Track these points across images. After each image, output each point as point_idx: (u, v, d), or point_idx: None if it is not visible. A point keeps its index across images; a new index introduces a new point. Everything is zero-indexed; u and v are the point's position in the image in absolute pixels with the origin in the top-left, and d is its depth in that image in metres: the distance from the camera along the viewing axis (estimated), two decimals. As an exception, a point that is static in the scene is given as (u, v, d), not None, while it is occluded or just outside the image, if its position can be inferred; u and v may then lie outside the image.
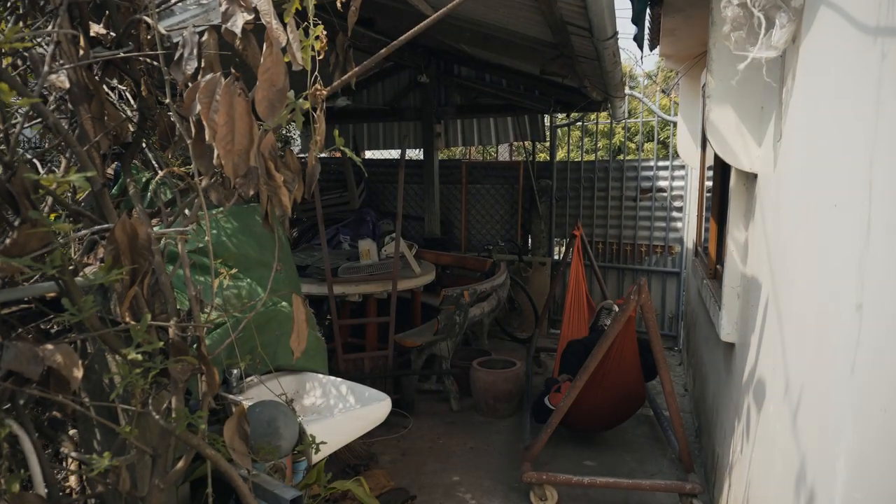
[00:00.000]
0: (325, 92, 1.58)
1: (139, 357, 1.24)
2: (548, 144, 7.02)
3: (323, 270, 4.36)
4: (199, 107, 1.22)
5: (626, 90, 5.86)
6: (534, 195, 6.67)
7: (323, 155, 8.43)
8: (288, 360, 2.38)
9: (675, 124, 6.29)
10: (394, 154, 8.58)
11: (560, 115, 7.02)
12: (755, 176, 2.35)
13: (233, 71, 1.25)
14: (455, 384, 4.65)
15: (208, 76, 1.25)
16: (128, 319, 1.44)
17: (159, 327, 1.48)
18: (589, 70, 3.78)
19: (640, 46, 3.27)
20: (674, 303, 6.27)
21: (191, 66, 1.40)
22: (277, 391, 2.28)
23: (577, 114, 6.48)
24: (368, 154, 8.98)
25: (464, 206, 7.30)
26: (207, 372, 1.42)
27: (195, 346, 1.52)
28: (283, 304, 2.45)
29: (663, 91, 8.00)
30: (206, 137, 1.22)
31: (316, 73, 1.55)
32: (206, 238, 1.59)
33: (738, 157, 2.32)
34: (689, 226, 5.89)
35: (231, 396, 2.10)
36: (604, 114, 6.65)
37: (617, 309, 4.70)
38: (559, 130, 6.91)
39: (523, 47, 3.56)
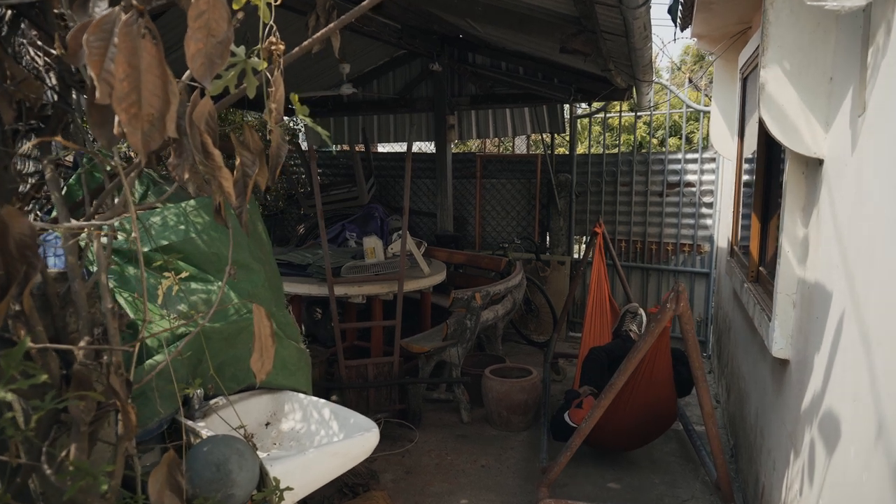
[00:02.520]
0: (282, 46, 1.23)
1: (7, 395, 0.91)
2: (567, 137, 6.62)
3: (324, 269, 4.02)
4: (87, 53, 0.88)
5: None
6: (552, 190, 6.28)
7: (333, 149, 8.11)
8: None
9: (703, 114, 5.87)
10: (405, 147, 8.22)
11: (581, 107, 6.61)
12: (820, 162, 1.96)
13: (134, 3, 0.90)
14: (466, 394, 4.29)
15: (104, 12, 0.91)
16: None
17: (65, 350, 1.15)
18: (614, 49, 3.40)
19: (674, 19, 2.88)
20: (702, 305, 5.85)
21: (100, 7, 1.07)
22: (249, 414, 1.94)
23: (599, 103, 6.07)
24: (379, 147, 8.66)
25: (478, 202, 6.94)
26: (122, 411, 1.08)
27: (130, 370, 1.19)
28: (260, 311, 2.11)
29: (690, 80, 7.56)
30: (98, 96, 0.88)
31: (271, 22, 1.21)
32: (133, 235, 1.26)
33: (801, 138, 1.93)
34: (720, 223, 5.47)
35: (190, 423, 1.77)
36: (626, 106, 6.24)
37: (642, 313, 4.32)
38: (579, 122, 6.50)
39: (541, 21, 3.19)
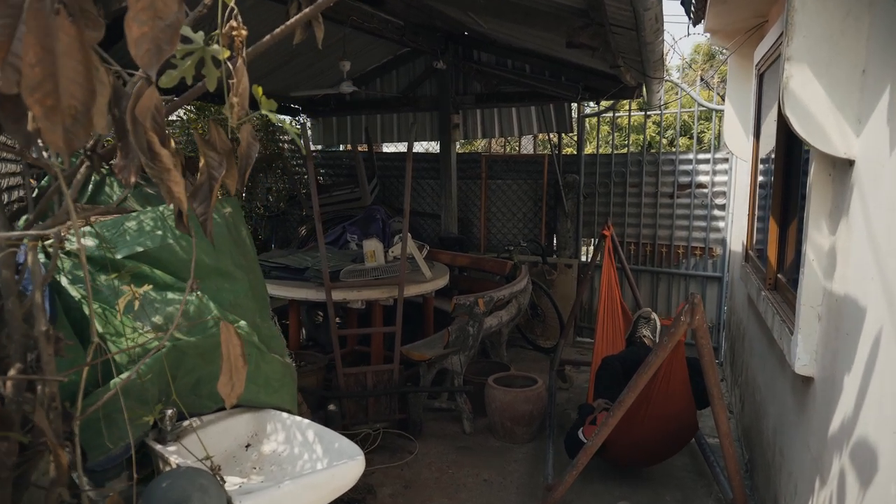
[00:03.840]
0: (244, 32, 1.08)
1: None
2: (575, 136, 6.45)
3: (322, 273, 3.87)
4: (-12, 33, 0.73)
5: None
6: (559, 191, 6.11)
7: (337, 148, 7.98)
8: (245, 396, 1.90)
9: (715, 113, 5.68)
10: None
11: (590, 106, 6.44)
12: (850, 163, 1.79)
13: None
14: (468, 403, 4.13)
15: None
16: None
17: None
18: (624, 44, 3.23)
19: (688, 11, 2.71)
20: (714, 310, 5.66)
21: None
22: (229, 434, 1.80)
23: (607, 102, 5.89)
24: (384, 147, 8.53)
25: (483, 203, 6.77)
26: (53, 451, 0.93)
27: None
28: (241, 323, 1.97)
29: (702, 79, 7.37)
30: (0, 84, 0.74)
31: (232, 4, 1.06)
32: (77, 246, 1.11)
33: (828, 138, 1.77)
34: (733, 226, 5.29)
35: (159, 448, 1.63)
36: (635, 106, 6.06)
37: (655, 317, 4.15)
38: (587, 121, 6.33)
39: (547, 14, 3.03)
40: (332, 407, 3.82)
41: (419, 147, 7.94)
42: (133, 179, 1.04)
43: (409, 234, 4.28)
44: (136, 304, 1.47)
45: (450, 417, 4.27)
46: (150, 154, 0.97)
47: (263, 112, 1.09)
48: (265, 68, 5.70)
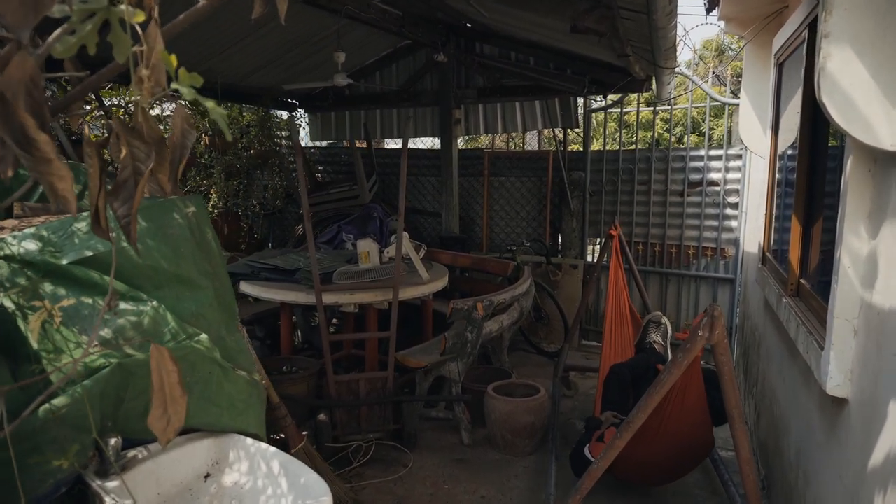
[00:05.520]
0: (160, -12, 0.86)
1: None
2: (581, 132, 6.20)
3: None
4: None
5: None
6: (564, 189, 5.87)
7: (339, 144, 7.76)
8: (204, 419, 1.68)
9: (727, 107, 5.43)
10: (413, 142, 7.83)
11: (596, 101, 6.19)
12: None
13: None
14: (467, 412, 3.91)
15: None
16: None
17: None
18: (634, 30, 2.99)
19: (705, -7, 2.47)
20: (726, 314, 5.41)
21: None
22: (186, 463, 1.59)
23: (614, 96, 5.64)
24: (386, 144, 8.31)
25: (486, 202, 6.54)
26: None
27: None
28: (202, 337, 1.75)
29: (715, 74, 7.11)
30: None
31: (142, -48, 0.84)
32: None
33: (872, 127, 1.53)
34: (746, 225, 5.04)
35: (96, 484, 1.41)
36: (643, 101, 5.81)
37: (666, 321, 3.93)
38: (594, 117, 6.08)
39: (550, -3, 2.81)
40: (322, 416, 3.61)
41: (420, 143, 7.71)
42: (11, 172, 0.83)
43: (405, 234, 4.07)
44: (57, 321, 1.26)
45: (447, 428, 4.05)
46: (24, 140, 0.76)
47: (179, 88, 0.87)
48: (260, 62, 5.50)
